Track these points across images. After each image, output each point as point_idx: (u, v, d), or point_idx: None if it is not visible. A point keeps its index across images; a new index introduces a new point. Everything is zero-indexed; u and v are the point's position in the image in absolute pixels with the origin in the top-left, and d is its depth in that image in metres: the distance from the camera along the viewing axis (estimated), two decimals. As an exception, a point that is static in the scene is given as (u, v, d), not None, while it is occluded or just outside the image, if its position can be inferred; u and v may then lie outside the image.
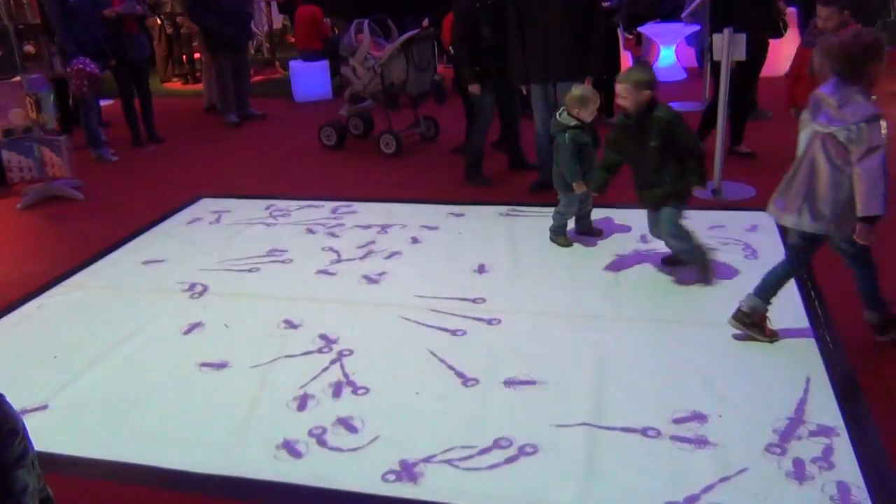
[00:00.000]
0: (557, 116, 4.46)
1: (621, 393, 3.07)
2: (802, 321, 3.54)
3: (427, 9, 7.60)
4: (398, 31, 6.96)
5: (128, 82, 7.35)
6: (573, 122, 4.36)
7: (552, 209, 4.66)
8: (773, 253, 4.27)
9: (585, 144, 4.36)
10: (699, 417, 2.88)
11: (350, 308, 3.97)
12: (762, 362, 3.22)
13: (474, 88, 5.57)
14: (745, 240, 4.53)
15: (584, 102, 4.36)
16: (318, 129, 7.25)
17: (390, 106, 6.98)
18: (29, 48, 6.00)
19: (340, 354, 3.50)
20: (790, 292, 3.67)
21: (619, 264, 4.27)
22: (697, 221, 4.80)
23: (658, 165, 3.84)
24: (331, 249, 4.74)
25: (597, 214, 4.79)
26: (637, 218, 4.56)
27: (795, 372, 3.13)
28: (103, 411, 3.19)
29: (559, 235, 4.60)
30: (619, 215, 4.95)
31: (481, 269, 4.33)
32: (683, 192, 3.91)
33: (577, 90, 4.44)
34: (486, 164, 5.99)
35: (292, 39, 11.97)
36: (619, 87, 3.80)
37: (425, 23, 7.17)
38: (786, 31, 6.19)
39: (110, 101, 8.87)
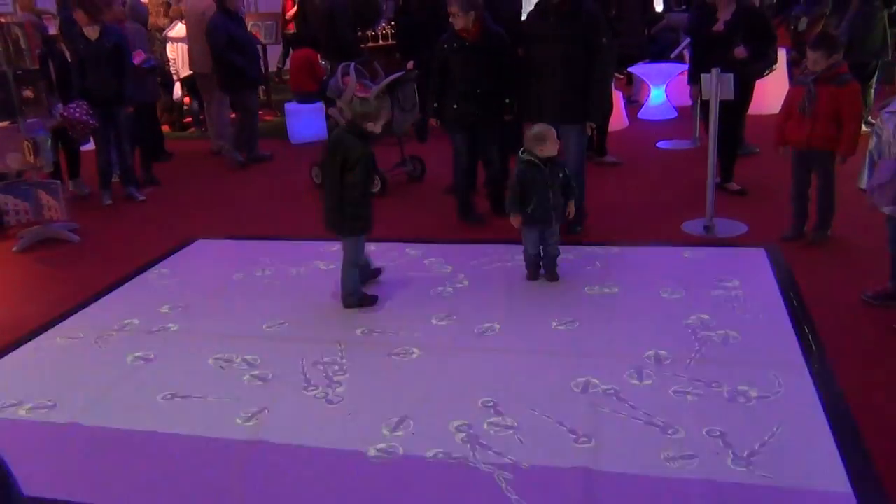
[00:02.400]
0: (520, 153, 4.59)
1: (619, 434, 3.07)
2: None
3: (415, 51, 7.80)
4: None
5: (133, 126, 7.37)
6: (526, 158, 4.52)
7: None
8: (766, 287, 4.30)
9: (531, 181, 4.49)
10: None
11: (345, 346, 3.98)
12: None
13: (432, 122, 6.04)
14: (738, 275, 4.55)
15: (541, 139, 4.49)
16: (310, 168, 7.33)
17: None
18: (27, 93, 6.07)
19: (335, 388, 3.51)
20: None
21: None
22: (690, 258, 4.85)
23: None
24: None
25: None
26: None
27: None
28: (97, 456, 3.16)
29: (528, 268, 4.71)
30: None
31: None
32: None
33: (534, 128, 4.56)
34: (481, 203, 6.04)
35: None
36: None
37: (410, 65, 7.50)
38: (766, 72, 6.35)
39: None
